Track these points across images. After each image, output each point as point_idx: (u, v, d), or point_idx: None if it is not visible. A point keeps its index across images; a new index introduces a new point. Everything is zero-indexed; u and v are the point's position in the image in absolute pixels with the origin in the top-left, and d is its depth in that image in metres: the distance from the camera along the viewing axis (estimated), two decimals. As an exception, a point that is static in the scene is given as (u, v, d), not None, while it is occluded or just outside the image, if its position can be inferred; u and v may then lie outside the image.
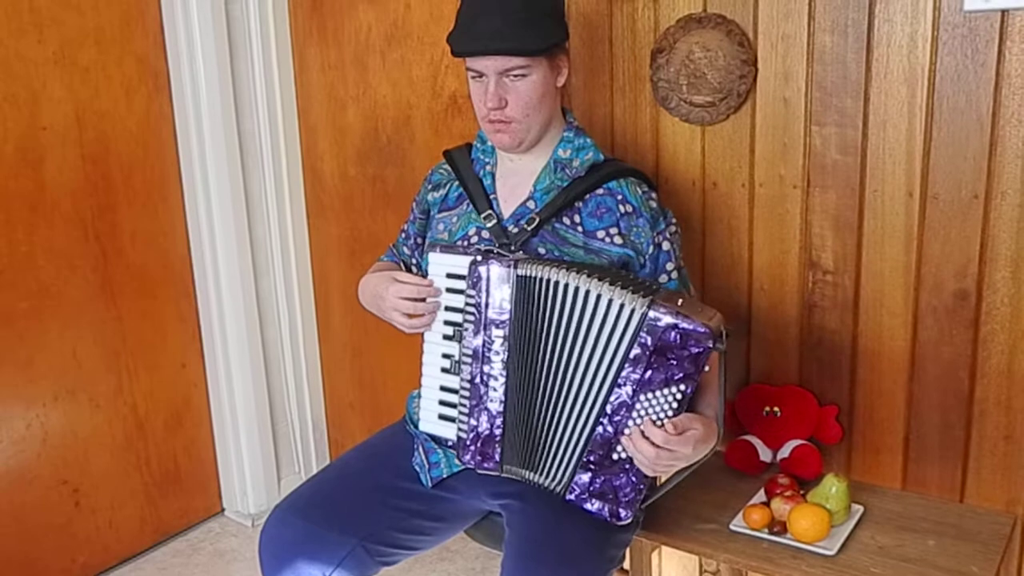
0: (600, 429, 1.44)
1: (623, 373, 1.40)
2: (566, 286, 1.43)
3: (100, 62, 2.31)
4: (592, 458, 1.46)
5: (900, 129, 1.68)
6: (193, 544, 2.63)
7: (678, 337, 1.35)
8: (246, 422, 2.66)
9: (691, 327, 1.34)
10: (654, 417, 1.40)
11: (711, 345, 1.35)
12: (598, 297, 1.41)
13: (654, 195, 1.63)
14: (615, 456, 1.45)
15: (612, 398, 1.42)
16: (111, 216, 2.38)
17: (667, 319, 1.35)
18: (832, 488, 1.63)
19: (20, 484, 2.27)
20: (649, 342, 1.37)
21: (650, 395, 1.39)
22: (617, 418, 1.42)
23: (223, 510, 2.79)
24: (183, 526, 2.68)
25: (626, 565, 1.76)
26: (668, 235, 1.61)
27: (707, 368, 1.39)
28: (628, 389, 1.40)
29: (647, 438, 1.38)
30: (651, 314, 1.36)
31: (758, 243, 1.88)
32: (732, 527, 1.66)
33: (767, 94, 1.80)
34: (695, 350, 1.35)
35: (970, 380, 1.70)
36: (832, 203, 1.78)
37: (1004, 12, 1.54)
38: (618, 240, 1.57)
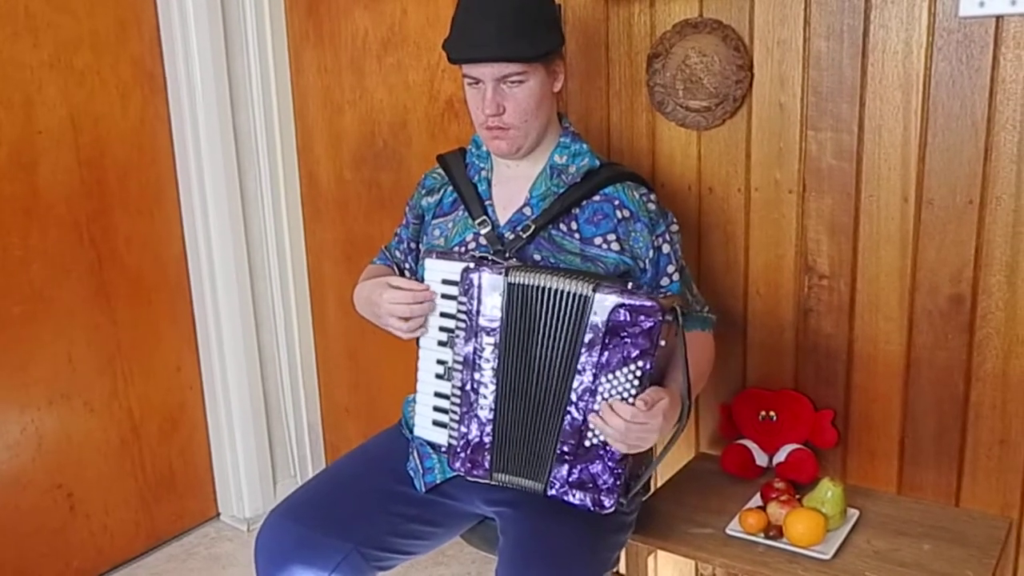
0: (568, 418, 1.45)
1: (581, 360, 1.42)
2: (541, 288, 1.44)
3: (95, 66, 2.30)
4: (566, 448, 1.47)
5: (895, 134, 1.68)
6: (188, 549, 2.63)
7: (627, 315, 1.38)
8: (242, 426, 2.66)
9: (637, 303, 1.38)
10: (619, 397, 1.41)
11: (661, 318, 1.37)
12: (552, 292, 1.43)
13: (653, 197, 1.63)
14: (587, 443, 1.46)
15: (575, 385, 1.44)
16: (106, 220, 2.37)
17: (612, 299, 1.39)
18: (828, 492, 1.63)
19: (14, 489, 2.26)
20: (600, 324, 1.40)
21: (610, 376, 1.41)
22: (583, 404, 1.44)
23: (218, 514, 2.78)
24: (178, 531, 2.68)
25: (621, 569, 1.76)
26: (668, 237, 1.61)
27: (663, 343, 1.40)
28: (589, 375, 1.43)
29: (617, 413, 1.40)
30: (597, 296, 1.40)
31: (754, 248, 1.89)
32: (728, 531, 1.66)
33: (763, 99, 1.80)
34: (646, 325, 1.38)
35: (965, 384, 1.71)
36: (827, 208, 1.78)
37: (999, 18, 1.54)
38: (615, 247, 1.57)
